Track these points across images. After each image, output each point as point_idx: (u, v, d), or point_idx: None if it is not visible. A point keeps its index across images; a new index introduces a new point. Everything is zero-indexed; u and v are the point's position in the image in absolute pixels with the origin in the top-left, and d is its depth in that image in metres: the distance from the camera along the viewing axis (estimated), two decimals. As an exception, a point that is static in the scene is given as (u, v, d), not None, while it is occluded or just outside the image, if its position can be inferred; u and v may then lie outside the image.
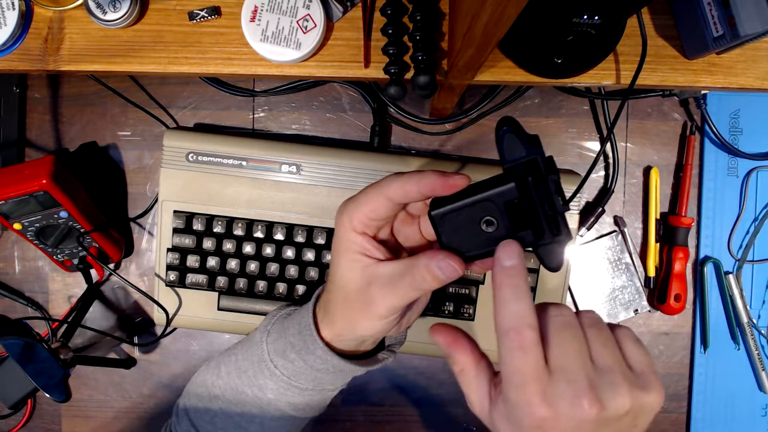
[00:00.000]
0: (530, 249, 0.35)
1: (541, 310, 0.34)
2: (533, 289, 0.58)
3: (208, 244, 0.57)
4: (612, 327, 0.35)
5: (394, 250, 0.40)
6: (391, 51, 0.45)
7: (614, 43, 0.47)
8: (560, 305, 0.34)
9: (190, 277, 0.58)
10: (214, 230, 0.57)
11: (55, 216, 0.56)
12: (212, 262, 0.57)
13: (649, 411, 0.32)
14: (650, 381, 0.33)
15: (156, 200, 0.61)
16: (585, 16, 0.39)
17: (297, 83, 0.61)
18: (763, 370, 0.63)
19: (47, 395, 0.50)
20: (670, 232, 0.62)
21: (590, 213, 0.62)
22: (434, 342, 0.38)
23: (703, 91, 0.61)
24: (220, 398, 0.45)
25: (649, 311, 0.64)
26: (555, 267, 0.35)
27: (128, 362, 0.63)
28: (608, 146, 0.63)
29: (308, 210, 0.57)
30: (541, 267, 0.58)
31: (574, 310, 0.34)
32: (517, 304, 0.32)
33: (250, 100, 0.62)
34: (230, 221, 0.57)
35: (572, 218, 0.58)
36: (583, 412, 0.30)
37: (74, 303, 0.62)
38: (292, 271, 0.57)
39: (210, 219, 0.57)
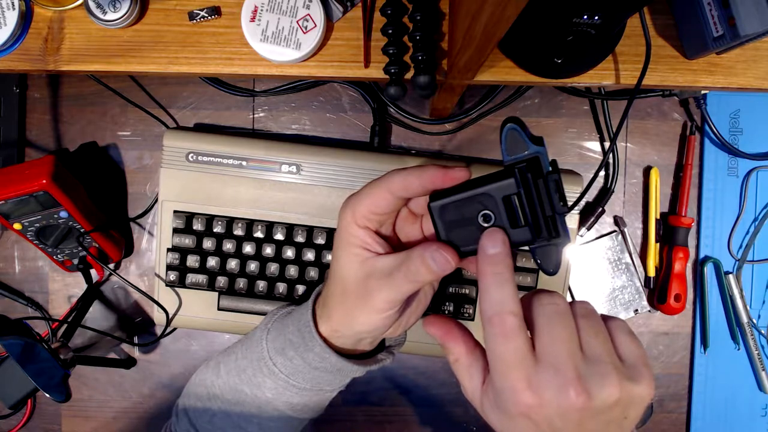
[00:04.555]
0: (526, 248, 0.35)
1: (534, 298, 0.34)
2: (533, 289, 0.58)
3: (208, 244, 0.57)
4: (605, 318, 0.35)
5: (395, 247, 0.40)
6: (391, 51, 0.45)
7: (614, 44, 0.47)
8: (553, 293, 0.34)
9: (190, 277, 0.58)
10: (214, 230, 0.57)
11: (55, 216, 0.56)
12: (212, 262, 0.57)
13: (639, 402, 0.32)
14: (640, 372, 0.32)
15: (156, 200, 0.61)
16: (585, 16, 0.39)
17: (297, 83, 0.61)
18: (763, 370, 0.63)
19: (47, 395, 0.50)
20: (670, 232, 0.62)
21: (590, 213, 0.62)
22: (428, 334, 0.38)
23: (703, 91, 0.61)
24: (220, 398, 0.45)
25: (649, 311, 0.64)
26: (551, 270, 0.35)
27: (128, 362, 0.63)
28: (608, 146, 0.63)
29: (308, 210, 0.57)
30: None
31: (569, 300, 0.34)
32: (500, 292, 0.32)
33: (250, 100, 0.62)
34: (230, 221, 0.57)
35: (572, 218, 0.58)
36: (570, 401, 0.30)
37: (74, 303, 0.62)
38: (292, 271, 0.57)
39: (210, 219, 0.57)
